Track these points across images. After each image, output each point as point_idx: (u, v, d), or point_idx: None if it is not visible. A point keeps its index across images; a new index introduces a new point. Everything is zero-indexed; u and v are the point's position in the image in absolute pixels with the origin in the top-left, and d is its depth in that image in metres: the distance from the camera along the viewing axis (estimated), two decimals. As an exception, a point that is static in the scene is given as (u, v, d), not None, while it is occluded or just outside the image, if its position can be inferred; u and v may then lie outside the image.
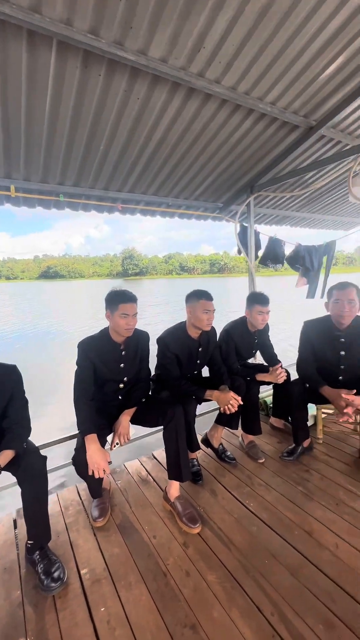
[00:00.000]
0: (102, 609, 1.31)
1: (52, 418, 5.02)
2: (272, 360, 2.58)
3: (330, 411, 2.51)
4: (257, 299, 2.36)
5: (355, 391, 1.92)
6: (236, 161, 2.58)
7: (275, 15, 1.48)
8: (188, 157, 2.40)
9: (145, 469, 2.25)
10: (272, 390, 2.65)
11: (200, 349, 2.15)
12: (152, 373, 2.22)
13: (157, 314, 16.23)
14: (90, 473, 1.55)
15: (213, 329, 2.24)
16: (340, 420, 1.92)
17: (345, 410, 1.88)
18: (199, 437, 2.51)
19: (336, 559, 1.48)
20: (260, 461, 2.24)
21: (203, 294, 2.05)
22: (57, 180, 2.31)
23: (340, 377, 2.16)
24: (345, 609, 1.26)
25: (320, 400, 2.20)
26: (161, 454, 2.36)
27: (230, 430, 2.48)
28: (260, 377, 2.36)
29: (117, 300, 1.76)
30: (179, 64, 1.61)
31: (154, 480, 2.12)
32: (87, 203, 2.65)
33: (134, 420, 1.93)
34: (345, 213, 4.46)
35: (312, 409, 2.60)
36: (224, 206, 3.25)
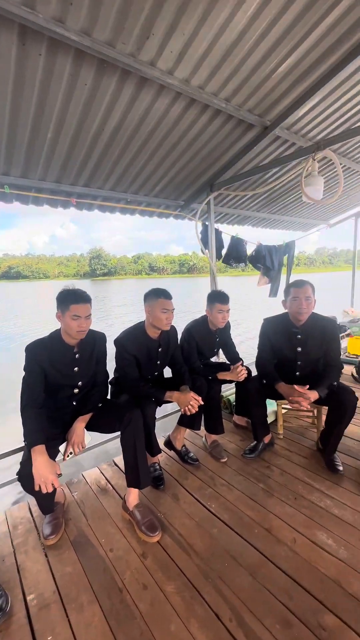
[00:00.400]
0: (49, 638, 1.19)
1: (5, 428, 4.68)
2: (234, 358, 2.58)
3: (290, 406, 2.57)
4: (217, 298, 2.34)
5: (308, 386, 1.96)
6: (195, 158, 2.55)
7: (225, 8, 1.45)
8: (145, 151, 2.32)
9: (105, 477, 2.14)
10: (235, 389, 2.66)
11: (160, 349, 2.08)
12: (112, 376, 2.12)
13: (125, 314, 15.93)
14: (37, 488, 1.42)
15: (173, 329, 2.19)
16: (293, 406, 1.96)
17: (296, 399, 1.92)
18: (162, 440, 2.45)
19: (293, 554, 1.48)
20: (223, 460, 2.23)
21: (161, 293, 1.99)
22: (1, 169, 2.12)
23: (298, 373, 2.21)
24: (302, 605, 1.26)
25: (280, 396, 2.24)
26: (122, 460, 2.26)
27: (193, 431, 2.44)
28: (221, 375, 2.35)
29: (69, 300, 1.64)
30: (128, 49, 1.53)
31: (114, 488, 2.02)
32: (38, 196, 2.48)
33: (90, 427, 1.82)
34: (304, 215, 4.64)
35: (272, 404, 2.64)
36: (185, 204, 3.22)
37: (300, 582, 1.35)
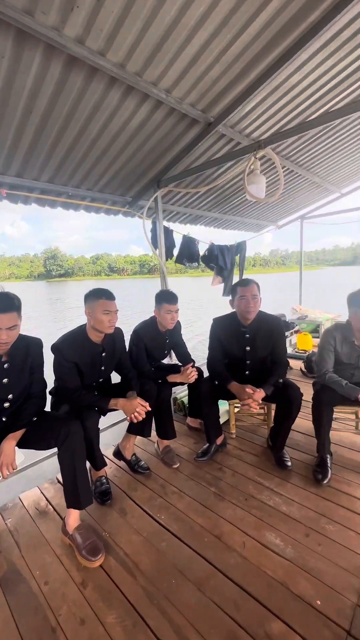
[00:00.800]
0: None
1: None
2: (186, 359, 2.52)
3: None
4: (165, 298, 2.26)
5: (260, 391, 1.96)
6: (139, 151, 2.44)
7: (157, -11, 1.36)
8: (83, 141, 2.15)
9: (46, 497, 1.93)
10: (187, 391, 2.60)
11: (104, 354, 1.94)
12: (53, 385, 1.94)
13: (78, 316, 15.28)
14: None
15: (119, 331, 2.06)
16: (244, 408, 1.95)
17: (246, 402, 1.91)
18: (111, 450, 2.30)
19: (243, 560, 1.44)
20: (175, 466, 2.14)
21: (102, 293, 1.84)
22: None
23: (247, 372, 2.21)
24: (249, 615, 1.21)
25: (232, 396, 2.21)
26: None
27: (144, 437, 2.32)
28: (171, 378, 2.26)
29: None
30: (50, 21, 1.37)
31: (55, 510, 1.83)
32: None
33: (23, 444, 1.61)
34: (253, 216, 4.75)
35: (225, 404, 2.63)
36: (133, 201, 3.08)
37: (248, 590, 1.30)
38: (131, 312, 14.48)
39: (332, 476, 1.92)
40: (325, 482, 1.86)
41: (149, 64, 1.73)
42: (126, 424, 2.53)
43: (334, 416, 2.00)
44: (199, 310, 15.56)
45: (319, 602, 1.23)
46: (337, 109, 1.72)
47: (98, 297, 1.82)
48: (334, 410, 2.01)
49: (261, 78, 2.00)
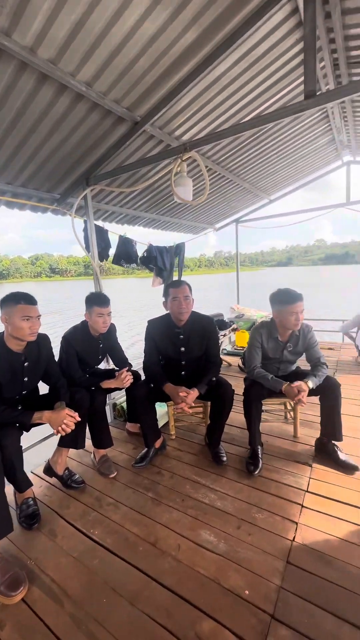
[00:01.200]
0: None
1: None
2: (123, 364, 2.44)
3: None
4: (95, 300, 2.15)
5: (195, 391, 1.99)
6: (64, 145, 2.29)
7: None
8: (-4, 129, 1.94)
9: None
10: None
11: (26, 364, 1.77)
12: None
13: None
14: None
15: (45, 338, 1.90)
16: (178, 411, 1.97)
17: (179, 405, 1.93)
18: (40, 468, 2.13)
19: (177, 564, 1.43)
20: (112, 476, 2.06)
21: (22, 297, 1.68)
22: None
23: (183, 373, 2.22)
24: (181, 619, 1.20)
25: (170, 397, 2.20)
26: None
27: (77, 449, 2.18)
28: (106, 384, 2.17)
29: None
30: None
31: (-29, 544, 1.61)
32: None
33: None
34: (190, 218, 4.84)
35: (164, 406, 2.62)
36: (61, 198, 2.90)
37: (181, 593, 1.29)
38: (73, 313, 13.80)
39: (262, 466, 2.02)
40: (256, 472, 1.96)
41: (64, 51, 1.62)
42: (57, 438, 2.36)
43: (266, 408, 2.12)
44: (146, 312, 15.46)
45: (247, 592, 1.28)
46: (259, 117, 1.81)
47: (16, 302, 1.65)
48: (267, 403, 2.13)
49: (187, 79, 2.03)
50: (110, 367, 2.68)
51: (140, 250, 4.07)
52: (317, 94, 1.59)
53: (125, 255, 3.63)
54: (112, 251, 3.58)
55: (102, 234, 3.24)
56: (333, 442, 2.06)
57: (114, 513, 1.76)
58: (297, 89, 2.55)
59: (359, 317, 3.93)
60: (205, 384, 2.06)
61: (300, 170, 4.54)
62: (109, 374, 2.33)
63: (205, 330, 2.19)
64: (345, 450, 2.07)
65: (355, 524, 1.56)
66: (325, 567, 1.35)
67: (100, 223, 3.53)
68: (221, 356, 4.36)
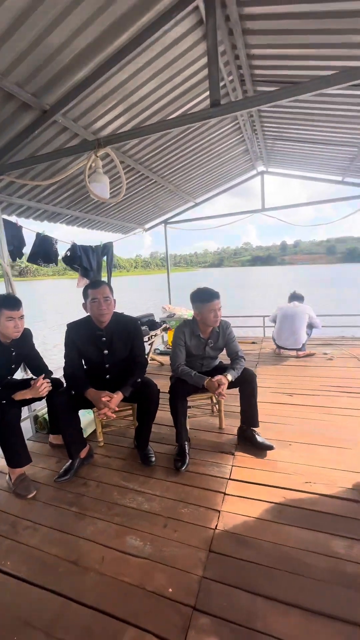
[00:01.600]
0: None
1: None
2: (41, 372, 2.24)
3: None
4: (3, 303, 1.92)
5: (118, 395, 1.94)
6: None
7: None
8: None
9: None
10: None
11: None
12: None
13: None
14: None
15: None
16: (100, 418, 1.90)
17: (102, 411, 1.86)
18: None
19: (100, 577, 1.36)
20: (31, 496, 1.87)
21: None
22: None
23: (108, 376, 2.14)
24: (102, 634, 1.14)
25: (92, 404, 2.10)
26: None
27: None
28: (20, 395, 1.96)
29: None
30: None
31: None
32: None
33: None
34: (118, 217, 4.72)
35: (90, 413, 2.49)
36: None
37: (102, 608, 1.23)
38: None
39: (190, 461, 2.07)
40: (183, 468, 2.00)
41: None
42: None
43: (194, 404, 2.17)
44: (79, 314, 14.65)
45: (170, 590, 1.28)
46: (166, 121, 1.84)
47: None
48: (194, 398, 2.18)
49: (99, 71, 1.94)
50: (29, 377, 2.44)
51: (63, 250, 3.83)
52: (222, 103, 1.69)
53: (44, 254, 3.36)
54: (26, 249, 3.28)
55: (14, 230, 2.93)
56: (252, 428, 2.22)
57: (31, 537, 1.60)
58: (208, 99, 2.67)
59: (274, 314, 4.35)
60: (130, 386, 2.02)
61: (222, 176, 4.82)
62: (25, 384, 2.12)
63: (129, 331, 2.15)
64: (263, 434, 2.25)
65: (268, 501, 1.70)
66: (243, 548, 1.44)
67: (12, 219, 3.19)
68: (153, 356, 4.38)
